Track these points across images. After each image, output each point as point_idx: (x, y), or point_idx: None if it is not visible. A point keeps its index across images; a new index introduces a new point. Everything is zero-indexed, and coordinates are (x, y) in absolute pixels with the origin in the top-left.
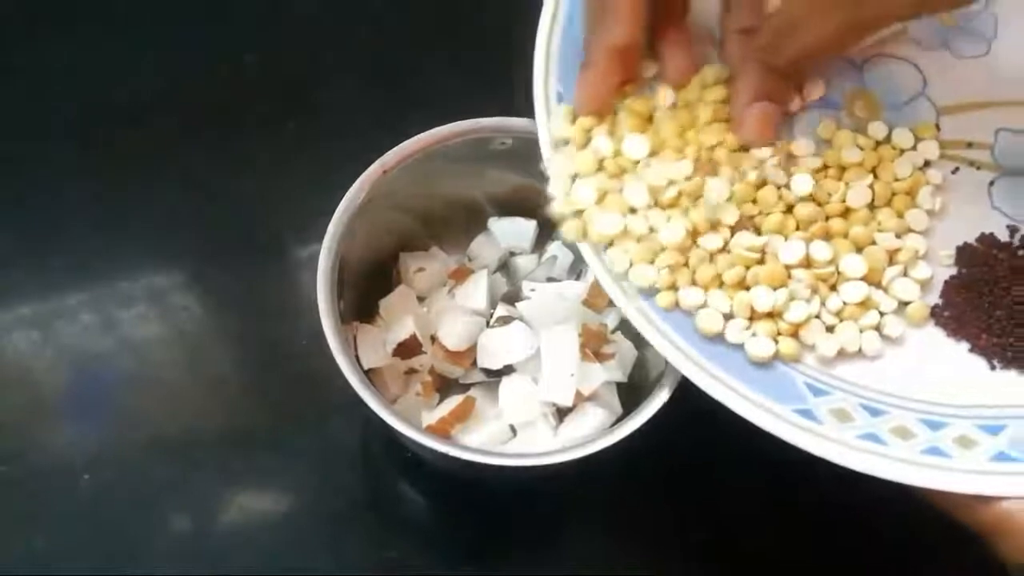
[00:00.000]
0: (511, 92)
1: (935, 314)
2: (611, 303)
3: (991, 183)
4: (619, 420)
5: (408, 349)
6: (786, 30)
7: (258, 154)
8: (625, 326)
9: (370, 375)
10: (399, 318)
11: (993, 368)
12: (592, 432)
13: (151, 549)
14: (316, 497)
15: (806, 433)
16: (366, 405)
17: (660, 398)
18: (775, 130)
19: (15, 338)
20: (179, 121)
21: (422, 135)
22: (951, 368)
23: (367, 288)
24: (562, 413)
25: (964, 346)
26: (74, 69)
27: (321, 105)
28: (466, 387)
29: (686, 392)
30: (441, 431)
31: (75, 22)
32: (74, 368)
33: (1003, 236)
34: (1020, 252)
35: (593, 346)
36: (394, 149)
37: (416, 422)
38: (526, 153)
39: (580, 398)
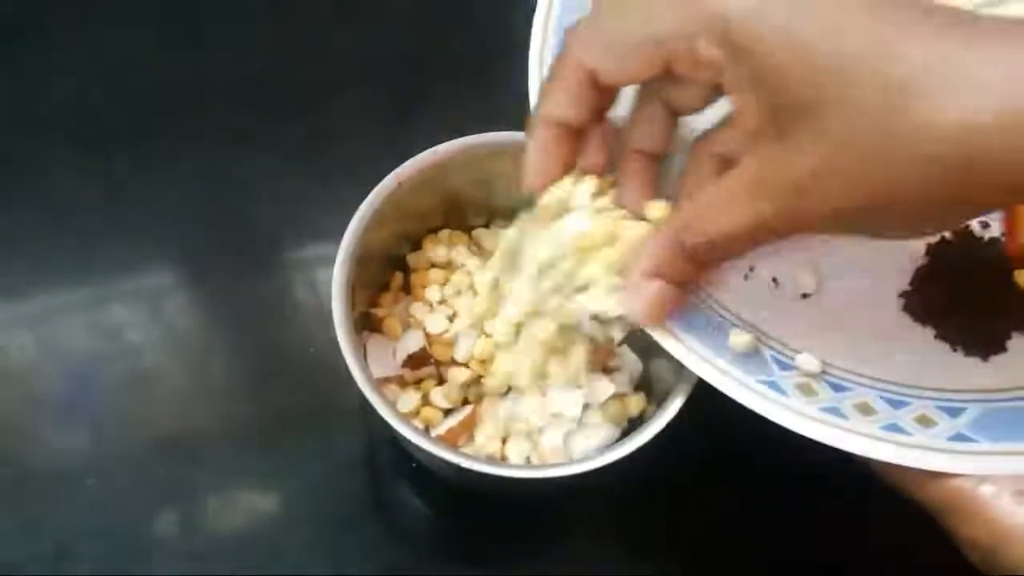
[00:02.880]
0: (523, 105)
1: (905, 299)
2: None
3: None
4: (625, 433)
5: (417, 361)
6: (711, 212)
7: (265, 160)
8: (631, 340)
9: (378, 383)
10: (409, 330)
11: (957, 353)
12: (598, 444)
13: (155, 551)
14: (319, 502)
15: (768, 402)
16: (373, 413)
17: (669, 412)
18: (666, 313)
19: (19, 339)
20: (184, 125)
21: (437, 148)
22: (917, 351)
23: (374, 296)
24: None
25: (930, 331)
26: (77, 69)
27: (330, 112)
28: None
29: (692, 402)
30: (449, 441)
31: (78, 22)
32: (78, 370)
33: (976, 230)
34: (990, 247)
35: (600, 359)
36: (408, 161)
37: (424, 432)
38: None
39: (587, 410)
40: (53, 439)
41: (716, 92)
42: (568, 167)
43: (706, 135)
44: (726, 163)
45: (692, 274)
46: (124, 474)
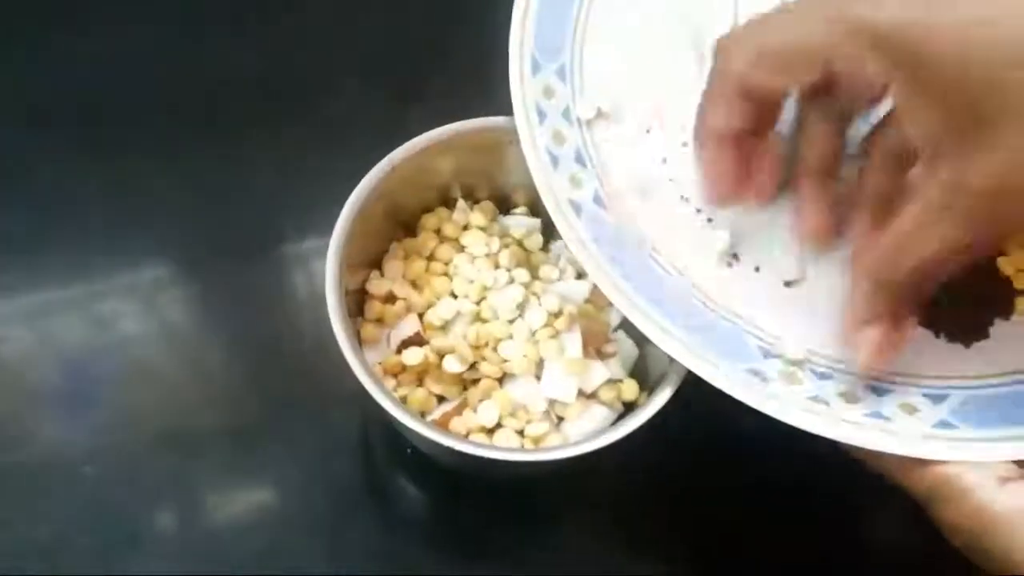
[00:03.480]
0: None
1: None
2: None
3: None
4: (620, 418)
5: (412, 346)
6: (904, 243)
7: (259, 153)
8: (627, 325)
9: (373, 370)
10: (403, 315)
11: (940, 340)
12: (594, 429)
13: (151, 540)
14: (316, 491)
15: (753, 391)
16: (369, 400)
17: (662, 396)
18: (891, 356)
19: (16, 332)
20: (180, 120)
21: (431, 132)
22: None
23: (364, 282)
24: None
25: (913, 318)
26: (76, 67)
27: (328, 108)
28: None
29: (687, 391)
30: (443, 426)
31: (78, 20)
32: (75, 362)
33: None
34: None
35: (595, 344)
36: (403, 146)
37: (419, 417)
38: None
39: (582, 395)
40: (50, 432)
41: (878, 95)
42: (742, 180)
43: (876, 132)
44: (905, 159)
45: (902, 308)
46: (121, 466)
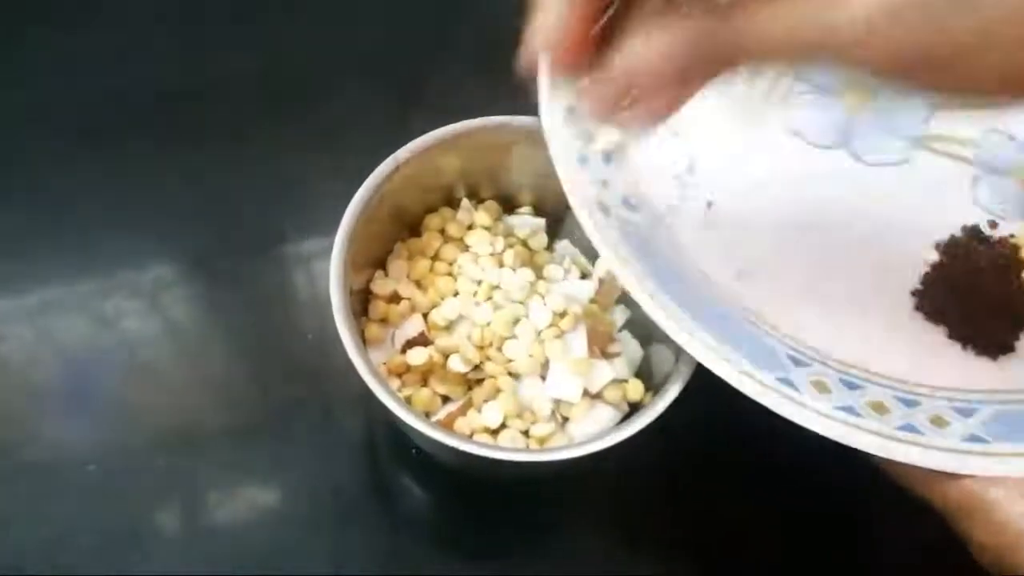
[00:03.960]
0: (518, 92)
1: (917, 298)
2: (618, 301)
3: (975, 179)
4: (625, 418)
5: (417, 346)
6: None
7: (260, 153)
8: (631, 325)
9: (377, 370)
10: (407, 315)
11: (968, 353)
12: (598, 430)
13: (154, 539)
14: (319, 491)
15: (784, 399)
16: (373, 400)
17: (667, 397)
18: (615, 113)
19: (19, 330)
20: (183, 119)
21: (435, 132)
22: (929, 351)
23: (368, 282)
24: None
25: (942, 330)
26: (77, 67)
27: (330, 108)
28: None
29: (691, 392)
30: (448, 426)
31: (79, 19)
32: (79, 363)
33: (984, 230)
34: (999, 246)
35: (600, 344)
36: (407, 146)
37: (423, 417)
38: (536, 151)
39: (587, 396)
40: (52, 431)
41: None
42: (587, 38)
43: None
44: None
45: (684, 89)
46: (124, 466)
